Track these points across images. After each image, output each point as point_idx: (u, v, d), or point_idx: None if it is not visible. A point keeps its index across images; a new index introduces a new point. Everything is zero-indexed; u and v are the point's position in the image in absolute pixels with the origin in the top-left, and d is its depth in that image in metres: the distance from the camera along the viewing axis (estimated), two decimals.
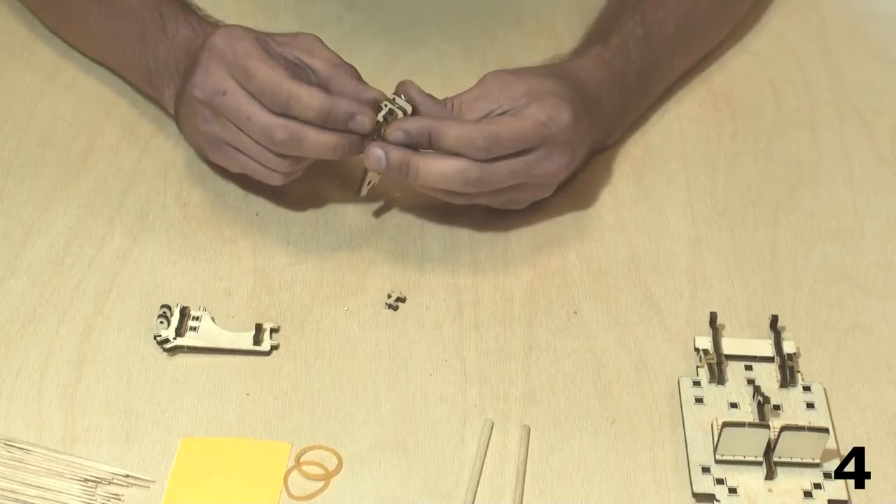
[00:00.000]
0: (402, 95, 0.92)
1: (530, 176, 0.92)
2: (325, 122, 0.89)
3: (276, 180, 0.93)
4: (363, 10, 1.15)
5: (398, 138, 0.90)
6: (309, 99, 0.89)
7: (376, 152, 0.90)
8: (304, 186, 0.98)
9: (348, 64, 0.93)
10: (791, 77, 1.11)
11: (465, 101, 0.93)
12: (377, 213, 0.98)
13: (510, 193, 0.93)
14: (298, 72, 0.92)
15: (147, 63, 0.99)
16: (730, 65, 1.11)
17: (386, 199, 0.98)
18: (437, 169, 0.90)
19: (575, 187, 1.00)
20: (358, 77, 0.92)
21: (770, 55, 1.13)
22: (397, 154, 0.90)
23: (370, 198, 0.97)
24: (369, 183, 0.94)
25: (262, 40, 0.92)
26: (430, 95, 0.93)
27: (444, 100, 0.93)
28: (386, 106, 0.91)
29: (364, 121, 0.89)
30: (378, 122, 0.90)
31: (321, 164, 0.94)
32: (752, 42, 1.13)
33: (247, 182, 0.99)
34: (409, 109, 0.91)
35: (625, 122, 1.03)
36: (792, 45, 1.14)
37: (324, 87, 0.91)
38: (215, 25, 0.98)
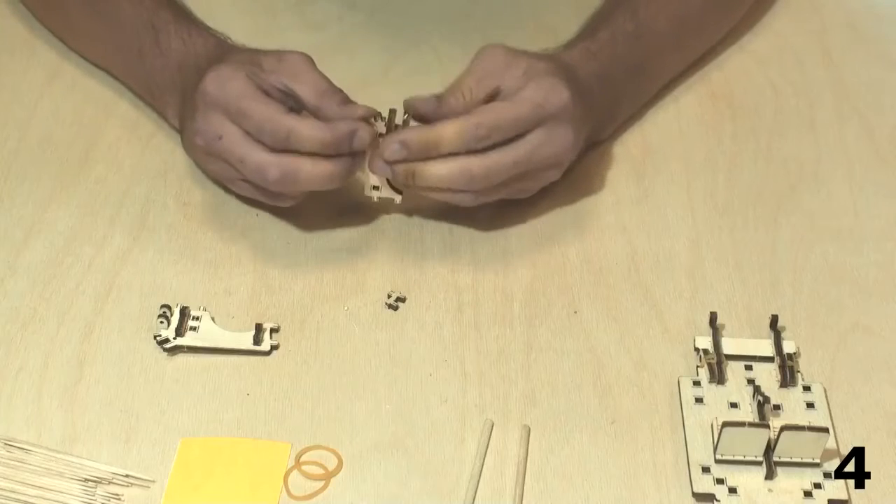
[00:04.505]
0: (406, 114, 0.91)
1: (534, 161, 0.92)
2: (327, 151, 0.89)
3: (284, 204, 0.94)
4: (363, 9, 1.15)
5: (395, 151, 0.89)
6: (309, 131, 0.88)
7: (379, 163, 0.91)
8: None
9: (335, 88, 0.92)
10: (791, 77, 1.11)
11: (472, 84, 0.92)
12: (377, 214, 0.98)
13: (518, 183, 0.93)
14: (287, 101, 0.91)
15: (146, 79, 1.00)
16: (729, 65, 1.11)
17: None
18: (439, 171, 0.90)
19: (575, 187, 1.00)
20: (345, 100, 0.92)
21: (770, 55, 1.13)
22: (400, 165, 0.90)
23: (369, 199, 0.97)
24: (375, 188, 0.94)
25: (252, 75, 0.91)
26: (434, 98, 0.92)
27: (452, 89, 0.92)
28: (381, 120, 0.91)
29: (364, 136, 0.89)
30: (381, 135, 0.91)
31: None
32: (751, 42, 1.13)
33: None
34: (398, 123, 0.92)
35: (617, 117, 1.03)
36: (792, 45, 1.14)
37: (312, 113, 0.91)
38: (206, 37, 0.98)
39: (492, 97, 0.92)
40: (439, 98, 0.92)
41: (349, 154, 0.90)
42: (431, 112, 0.91)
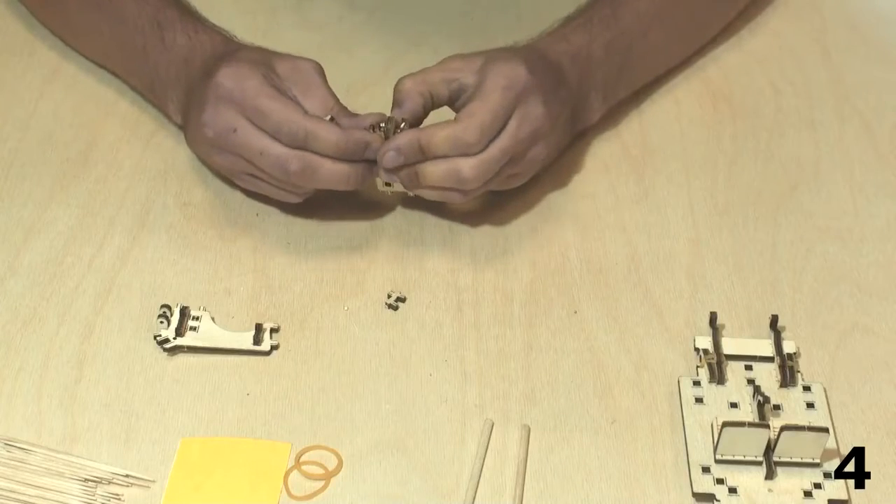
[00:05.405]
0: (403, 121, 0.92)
1: (518, 143, 0.92)
2: (342, 156, 0.90)
3: (293, 200, 0.94)
4: (363, 9, 1.15)
5: (391, 158, 0.90)
6: (327, 134, 0.89)
7: (383, 171, 0.91)
8: None
9: (342, 106, 0.93)
10: (791, 77, 1.11)
11: (434, 83, 0.94)
12: (377, 213, 0.98)
13: (508, 169, 0.93)
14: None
15: (150, 75, 1.00)
16: (729, 65, 1.11)
17: (386, 200, 0.98)
18: (434, 171, 0.91)
19: (575, 187, 1.00)
20: (351, 117, 0.93)
21: (770, 55, 1.13)
22: (403, 169, 0.91)
23: (369, 198, 0.97)
24: (387, 184, 0.94)
25: (268, 77, 0.92)
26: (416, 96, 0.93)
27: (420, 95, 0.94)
28: (391, 122, 0.91)
29: (377, 146, 0.91)
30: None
31: None
32: (751, 42, 1.13)
33: None
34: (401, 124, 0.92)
35: (603, 98, 1.01)
36: (792, 45, 1.14)
37: None
38: (212, 34, 0.98)
39: (454, 95, 0.94)
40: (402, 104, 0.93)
41: (364, 160, 0.91)
42: (415, 117, 0.93)
